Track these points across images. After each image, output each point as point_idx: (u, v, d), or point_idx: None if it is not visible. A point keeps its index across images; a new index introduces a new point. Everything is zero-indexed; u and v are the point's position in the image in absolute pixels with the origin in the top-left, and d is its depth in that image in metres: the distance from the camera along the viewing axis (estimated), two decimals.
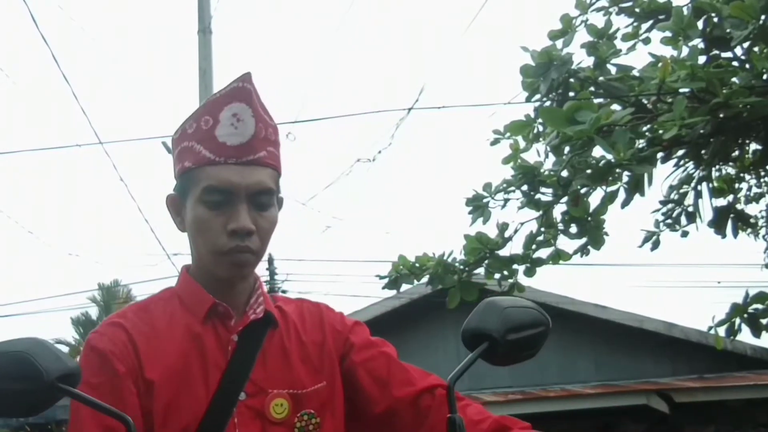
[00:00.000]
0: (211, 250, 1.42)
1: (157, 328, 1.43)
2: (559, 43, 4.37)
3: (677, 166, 4.66)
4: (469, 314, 1.33)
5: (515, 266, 4.66)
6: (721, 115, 3.89)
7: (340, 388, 1.50)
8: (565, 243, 4.65)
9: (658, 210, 5.02)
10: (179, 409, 1.35)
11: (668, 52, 4.08)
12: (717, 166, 4.89)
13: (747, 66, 4.05)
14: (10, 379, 1.09)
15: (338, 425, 1.49)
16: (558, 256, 4.65)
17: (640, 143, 4.05)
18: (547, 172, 4.29)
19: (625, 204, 4.23)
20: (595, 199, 4.41)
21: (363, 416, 1.51)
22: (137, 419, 1.31)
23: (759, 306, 4.40)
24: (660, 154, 4.23)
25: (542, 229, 4.57)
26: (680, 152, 4.51)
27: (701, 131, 4.02)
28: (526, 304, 1.35)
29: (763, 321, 4.46)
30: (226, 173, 1.40)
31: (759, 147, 4.72)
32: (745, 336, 4.59)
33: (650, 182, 4.22)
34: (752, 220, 5.28)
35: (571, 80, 4.26)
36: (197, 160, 1.43)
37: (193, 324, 1.44)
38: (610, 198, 4.30)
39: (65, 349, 25.13)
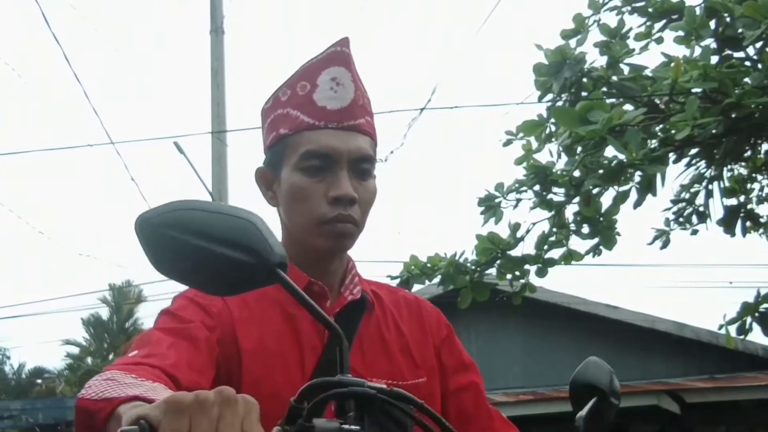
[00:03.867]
0: (311, 219, 1.32)
1: (248, 302, 1.33)
2: (572, 43, 4.38)
3: (689, 165, 4.65)
4: (576, 370, 1.35)
5: (527, 266, 4.67)
6: (733, 116, 3.89)
7: (438, 388, 1.42)
8: (576, 243, 4.66)
9: (669, 209, 5.02)
10: (274, 391, 1.19)
11: (681, 51, 4.08)
12: (729, 166, 4.88)
13: (759, 66, 4.04)
14: (235, 246, 0.92)
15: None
16: (570, 257, 4.65)
17: (653, 143, 4.05)
18: (559, 172, 4.30)
19: (637, 204, 4.23)
20: (607, 199, 4.42)
21: None
22: (209, 372, 1.22)
23: None
24: (672, 154, 4.23)
25: (554, 230, 4.58)
26: (692, 152, 4.51)
27: (713, 131, 4.02)
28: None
29: None
30: (327, 138, 1.32)
31: None
32: (757, 336, 4.58)
33: (662, 182, 4.22)
34: (763, 220, 5.27)
35: (584, 80, 4.26)
36: (294, 126, 1.35)
37: (288, 304, 1.32)
38: (621, 198, 4.30)
39: (75, 350, 25.20)
